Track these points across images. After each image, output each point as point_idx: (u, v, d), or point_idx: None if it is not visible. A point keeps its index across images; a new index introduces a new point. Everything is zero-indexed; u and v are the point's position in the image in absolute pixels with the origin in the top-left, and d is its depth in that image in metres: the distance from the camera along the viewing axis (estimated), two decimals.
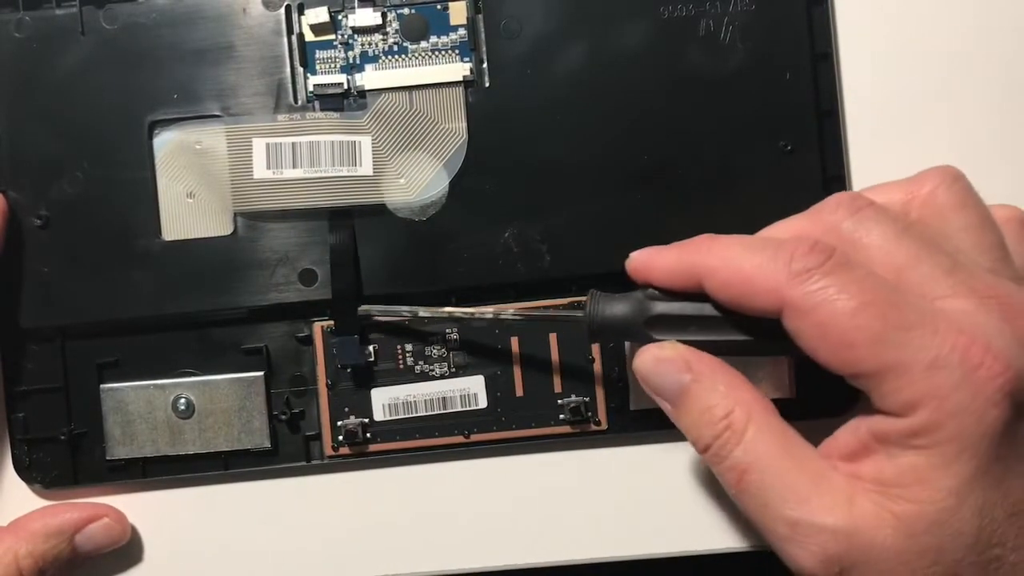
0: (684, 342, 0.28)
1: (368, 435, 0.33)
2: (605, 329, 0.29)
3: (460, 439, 0.33)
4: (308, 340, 0.33)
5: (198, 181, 0.33)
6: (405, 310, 0.32)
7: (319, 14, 0.33)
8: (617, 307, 0.29)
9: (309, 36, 0.33)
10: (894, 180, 0.29)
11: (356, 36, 0.33)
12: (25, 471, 0.33)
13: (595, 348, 0.33)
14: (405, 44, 0.33)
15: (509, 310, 0.32)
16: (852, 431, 0.26)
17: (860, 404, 0.27)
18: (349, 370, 0.33)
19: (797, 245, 0.26)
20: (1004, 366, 0.24)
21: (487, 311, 0.31)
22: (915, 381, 0.24)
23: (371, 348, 0.33)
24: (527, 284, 0.33)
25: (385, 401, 0.33)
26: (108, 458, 0.33)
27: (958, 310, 0.25)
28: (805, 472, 0.26)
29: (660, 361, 0.28)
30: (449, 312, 0.32)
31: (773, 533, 0.26)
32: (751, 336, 0.27)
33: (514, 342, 0.33)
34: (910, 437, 0.25)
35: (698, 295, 0.28)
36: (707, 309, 0.28)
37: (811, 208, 0.28)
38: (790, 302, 0.25)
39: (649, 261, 0.29)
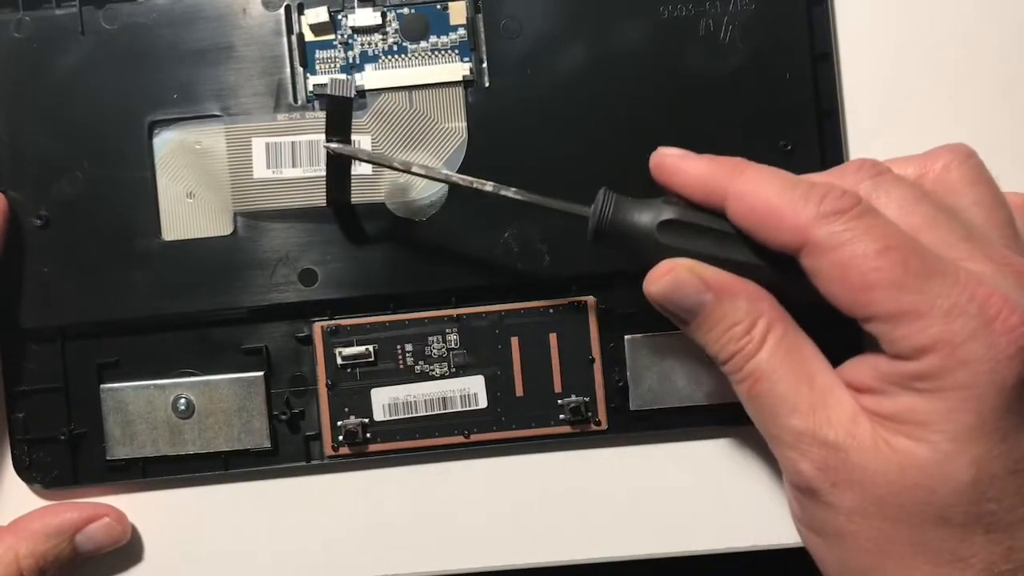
0: (692, 256, 0.28)
1: (368, 435, 0.33)
2: (613, 230, 0.28)
3: (460, 439, 0.33)
4: (308, 340, 0.33)
5: (198, 181, 0.33)
6: (398, 163, 0.31)
7: (319, 14, 0.33)
8: (631, 208, 0.28)
9: (309, 36, 0.33)
10: (908, 155, 0.29)
11: (356, 36, 0.33)
12: (25, 471, 0.33)
13: (595, 348, 0.33)
14: (405, 44, 0.33)
15: (511, 189, 0.30)
16: (854, 368, 0.27)
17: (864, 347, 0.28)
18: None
19: (829, 188, 0.26)
20: (1021, 320, 0.24)
21: (486, 184, 0.30)
22: (930, 326, 0.24)
23: (371, 348, 0.33)
24: (527, 284, 0.33)
25: (385, 401, 0.33)
26: (108, 458, 0.33)
27: (976, 270, 0.25)
28: (815, 386, 0.26)
29: (679, 282, 0.28)
30: (446, 175, 0.30)
31: (777, 439, 0.27)
32: (763, 262, 0.27)
33: (514, 342, 0.33)
34: (915, 380, 0.25)
35: (716, 213, 0.28)
36: (724, 225, 0.28)
37: (832, 169, 0.28)
38: (813, 240, 0.26)
39: (677, 164, 0.28)
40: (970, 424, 0.24)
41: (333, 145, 0.30)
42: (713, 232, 0.28)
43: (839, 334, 0.27)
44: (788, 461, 0.27)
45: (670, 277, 0.28)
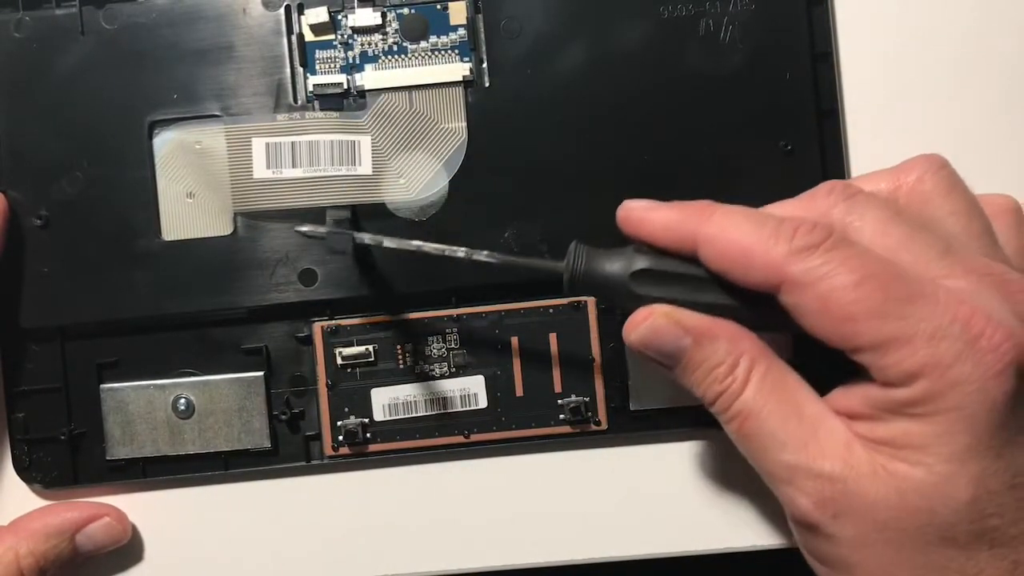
0: (668, 302, 0.28)
1: (368, 435, 0.33)
2: (586, 281, 0.28)
3: (460, 439, 0.33)
4: (308, 340, 0.33)
5: (198, 181, 0.33)
6: (368, 238, 0.30)
7: (319, 14, 0.33)
8: (602, 259, 0.28)
9: (309, 36, 0.33)
10: (880, 169, 0.29)
11: (356, 36, 0.33)
12: (25, 471, 0.33)
13: (595, 348, 0.33)
14: (405, 44, 0.33)
15: (483, 252, 0.30)
16: (844, 396, 0.27)
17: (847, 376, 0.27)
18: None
19: (799, 223, 0.26)
20: (1005, 336, 0.24)
21: (458, 251, 0.30)
22: (916, 352, 0.24)
23: (371, 348, 0.33)
24: (527, 284, 0.33)
25: (385, 401, 0.33)
26: (108, 458, 0.33)
27: (956, 288, 0.25)
28: (804, 418, 0.26)
29: (656, 330, 0.27)
30: (418, 247, 0.30)
31: (773, 476, 0.27)
32: (740, 302, 0.27)
33: (514, 342, 0.33)
34: (907, 406, 0.25)
35: (688, 258, 0.28)
36: (698, 270, 0.28)
37: (802, 195, 0.28)
38: (790, 277, 0.25)
39: (644, 215, 0.28)
40: (965, 444, 0.24)
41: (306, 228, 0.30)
42: (687, 277, 0.28)
43: (825, 362, 0.27)
44: (785, 497, 0.27)
45: (647, 325, 0.28)
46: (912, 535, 0.25)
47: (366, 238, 0.30)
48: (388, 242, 0.30)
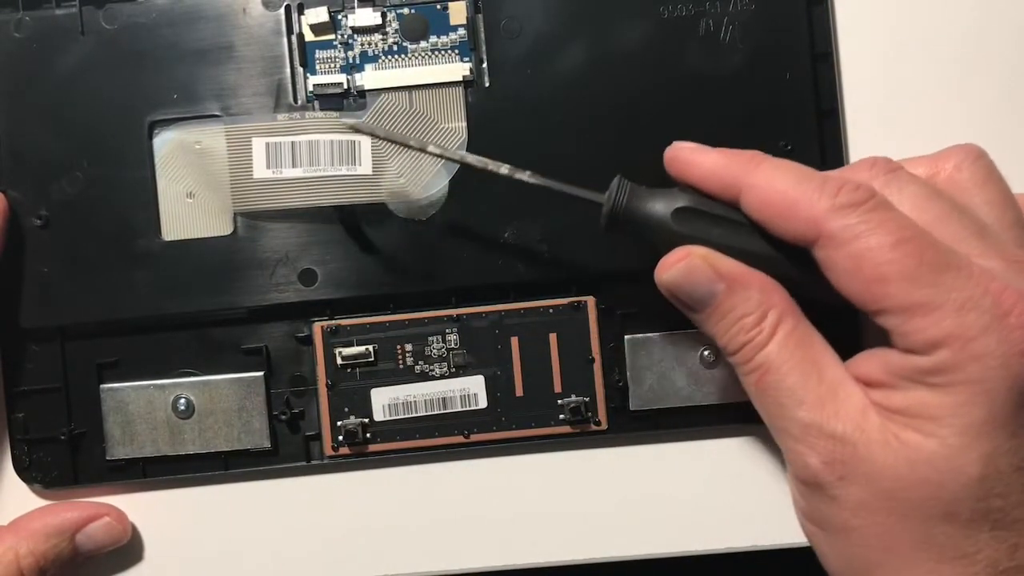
0: (705, 245, 0.28)
1: (368, 435, 0.33)
2: (627, 216, 0.29)
3: (460, 439, 0.33)
4: (308, 340, 0.33)
5: (198, 181, 0.33)
6: (413, 142, 0.31)
7: (319, 14, 0.33)
8: (644, 196, 0.29)
9: (309, 36, 0.33)
10: (918, 156, 0.29)
11: (356, 36, 0.33)
12: (25, 471, 0.33)
13: (595, 348, 0.33)
14: (405, 44, 0.33)
15: (526, 172, 0.30)
16: (863, 362, 0.27)
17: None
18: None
19: (844, 182, 0.26)
20: None
21: (502, 167, 0.30)
22: (942, 320, 0.24)
23: (371, 348, 0.33)
24: (527, 284, 0.33)
25: (385, 401, 0.33)
26: (108, 458, 0.33)
27: (989, 266, 0.25)
28: (824, 379, 0.26)
29: (691, 271, 0.27)
30: (461, 157, 0.30)
31: (784, 432, 0.27)
32: (776, 253, 0.27)
33: (514, 342, 0.33)
34: (926, 374, 0.25)
35: (729, 204, 0.28)
36: (738, 216, 0.28)
37: (844, 167, 0.28)
38: (828, 232, 0.26)
39: (692, 158, 0.29)
40: (980, 419, 0.24)
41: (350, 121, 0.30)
42: (727, 221, 0.28)
43: (845, 329, 0.27)
44: (794, 454, 0.27)
45: (683, 265, 0.28)
46: (916, 506, 0.25)
47: (411, 142, 0.30)
48: (432, 148, 0.30)
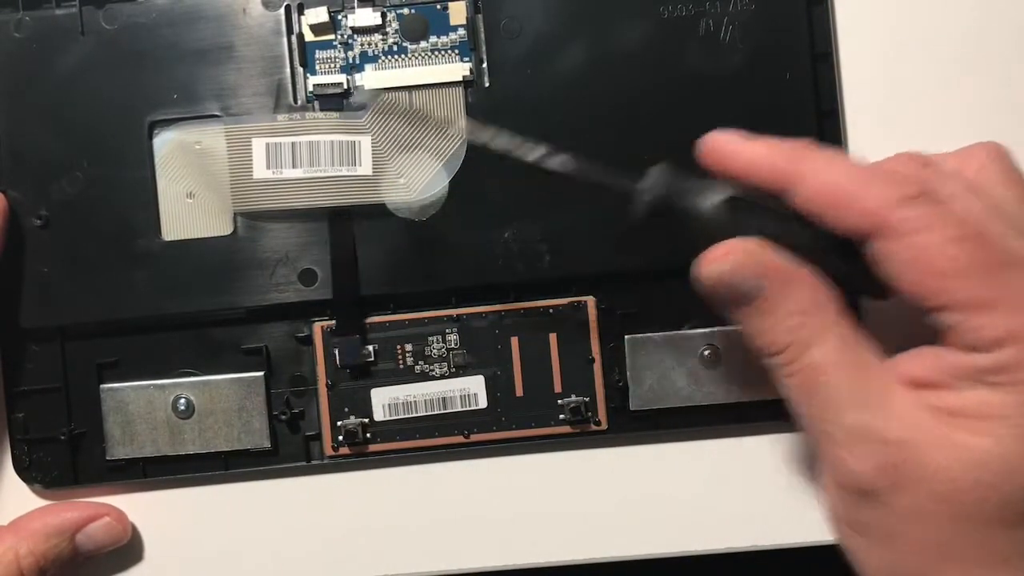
0: (752, 236, 0.26)
1: (368, 435, 0.33)
2: (668, 203, 0.27)
3: (460, 439, 0.33)
4: (308, 340, 0.33)
5: (198, 181, 0.33)
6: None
7: (319, 14, 0.33)
8: (687, 185, 0.27)
9: (309, 36, 0.33)
10: (940, 153, 0.28)
11: (356, 36, 0.33)
12: (25, 471, 0.33)
13: (595, 348, 0.33)
14: (405, 44, 0.33)
15: (560, 157, 0.29)
16: (911, 362, 0.26)
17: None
18: (348, 370, 0.33)
19: (896, 174, 0.25)
20: None
21: (538, 150, 0.29)
22: (1006, 317, 0.24)
23: (371, 348, 0.33)
24: (527, 284, 0.33)
25: (385, 401, 0.33)
26: (108, 458, 0.33)
27: None
28: (872, 381, 0.25)
29: (738, 266, 0.26)
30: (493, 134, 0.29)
31: (828, 437, 0.26)
32: (825, 246, 0.26)
33: (514, 342, 0.33)
34: (988, 373, 0.24)
35: (774, 197, 0.27)
36: (784, 207, 0.26)
37: (879, 161, 0.27)
38: (888, 224, 0.25)
39: (734, 148, 0.27)
40: None
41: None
42: (774, 213, 0.27)
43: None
44: (839, 460, 0.26)
45: (728, 260, 0.26)
46: (968, 510, 0.24)
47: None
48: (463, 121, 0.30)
